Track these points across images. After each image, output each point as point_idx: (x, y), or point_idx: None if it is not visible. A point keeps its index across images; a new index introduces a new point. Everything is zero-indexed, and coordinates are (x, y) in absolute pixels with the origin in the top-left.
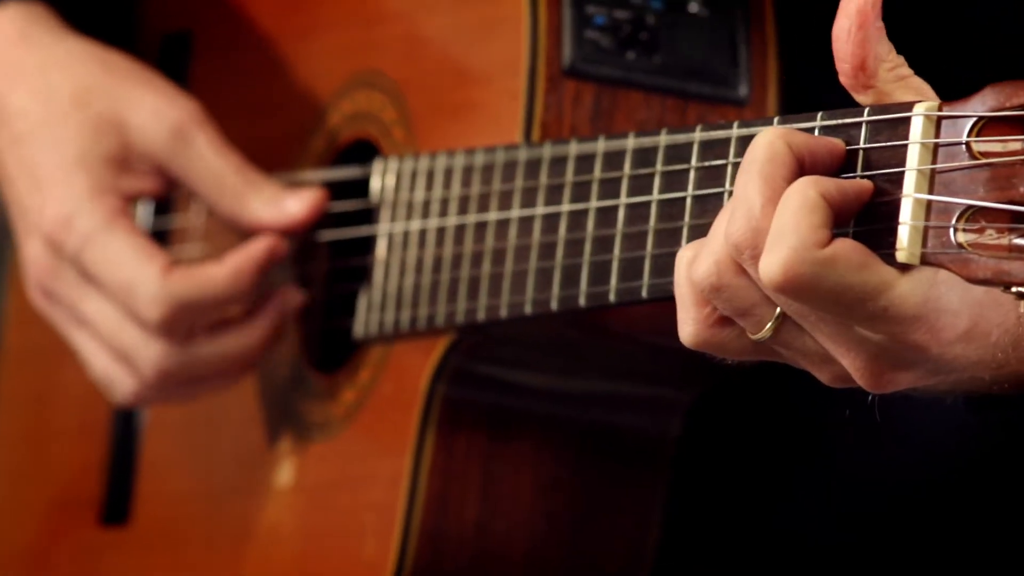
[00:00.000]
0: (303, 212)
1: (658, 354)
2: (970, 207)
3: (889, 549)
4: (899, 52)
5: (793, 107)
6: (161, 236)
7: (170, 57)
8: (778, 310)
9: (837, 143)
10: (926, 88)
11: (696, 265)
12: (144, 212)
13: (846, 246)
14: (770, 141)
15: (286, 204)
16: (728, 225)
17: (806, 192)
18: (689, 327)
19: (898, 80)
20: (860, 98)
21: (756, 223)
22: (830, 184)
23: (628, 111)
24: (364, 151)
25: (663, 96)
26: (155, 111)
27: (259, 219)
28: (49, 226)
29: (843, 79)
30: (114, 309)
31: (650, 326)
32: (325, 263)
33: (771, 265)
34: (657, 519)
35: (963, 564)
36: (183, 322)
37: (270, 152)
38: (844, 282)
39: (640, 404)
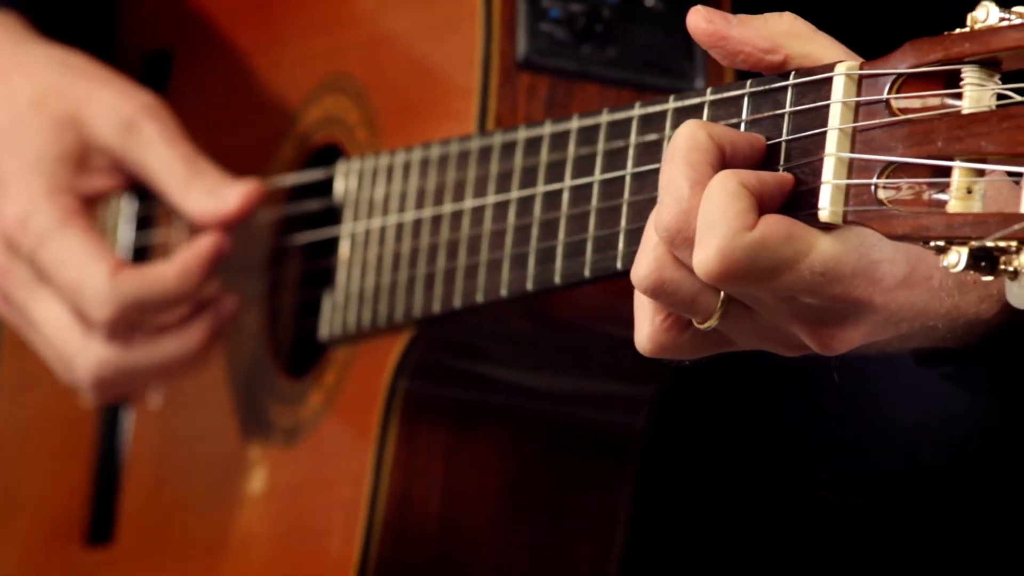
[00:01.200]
0: (238, 203)
1: (619, 347)
2: (890, 164)
3: (855, 530)
4: (816, 14)
5: None
6: (142, 251)
7: (150, 76)
8: (722, 295)
9: (758, 138)
10: (831, 43)
11: (636, 267)
12: (126, 227)
13: (771, 223)
14: (691, 131)
15: (223, 194)
16: (657, 213)
17: (726, 183)
18: (644, 332)
19: (800, 37)
20: (767, 70)
21: (685, 205)
22: (749, 175)
23: (583, 103)
24: (333, 155)
25: (619, 88)
26: (109, 106)
27: (197, 209)
28: (7, 226)
29: (751, 68)
30: (61, 311)
31: (601, 315)
32: (299, 266)
33: (705, 257)
34: (625, 512)
35: (929, 544)
36: (130, 321)
37: (244, 161)
38: (777, 257)
39: (604, 397)
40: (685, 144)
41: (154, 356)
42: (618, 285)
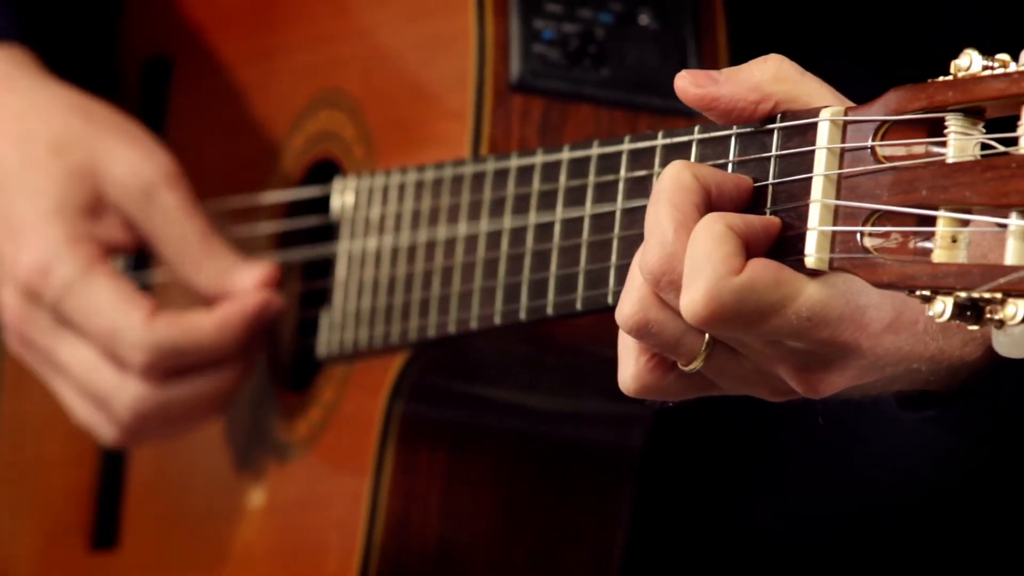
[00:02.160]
0: (250, 287)
1: (615, 367)
2: (875, 211)
3: (850, 546)
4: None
5: None
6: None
7: (151, 81)
8: (707, 337)
9: (744, 179)
10: (819, 86)
11: (620, 307)
12: (122, 266)
13: (758, 267)
14: (676, 172)
15: (235, 278)
16: (643, 255)
17: (712, 226)
18: (628, 372)
19: (786, 80)
20: (754, 117)
21: (670, 248)
22: (736, 218)
23: (578, 125)
24: (329, 170)
25: (612, 109)
26: (130, 165)
27: (207, 289)
28: (25, 274)
29: (747, 122)
30: (89, 353)
31: (595, 338)
32: (297, 282)
33: (692, 300)
34: (622, 532)
35: (925, 559)
36: (166, 368)
37: (242, 173)
38: (764, 301)
39: (600, 417)
40: (670, 185)
41: (192, 391)
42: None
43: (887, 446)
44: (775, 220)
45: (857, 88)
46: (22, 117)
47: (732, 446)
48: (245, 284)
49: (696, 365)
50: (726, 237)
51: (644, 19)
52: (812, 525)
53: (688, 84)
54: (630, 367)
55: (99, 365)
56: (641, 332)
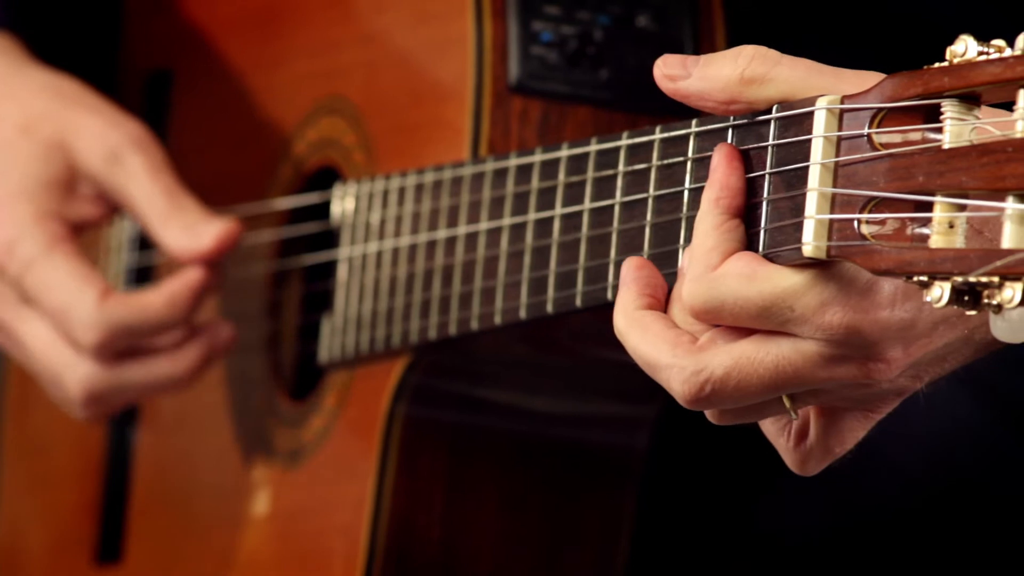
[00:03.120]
0: (214, 241)
1: (619, 368)
2: (873, 198)
3: (860, 546)
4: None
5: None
6: (143, 272)
7: (153, 94)
8: (785, 399)
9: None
10: (791, 72)
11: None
12: (127, 247)
13: (733, 262)
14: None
15: (200, 232)
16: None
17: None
18: (788, 459)
19: (751, 83)
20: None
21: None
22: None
23: (576, 126)
24: (331, 176)
25: (611, 111)
26: (97, 134)
27: (173, 245)
28: None
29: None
30: (48, 331)
31: (600, 338)
32: (299, 289)
33: (683, 295)
34: (626, 534)
35: (940, 561)
36: (117, 346)
37: (243, 182)
38: (742, 295)
39: (604, 418)
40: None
41: (144, 376)
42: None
43: (905, 451)
44: None
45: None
46: None
47: (736, 445)
48: (207, 240)
49: (792, 414)
50: (708, 234)
51: (642, 21)
52: (815, 524)
53: (661, 76)
54: (783, 454)
55: (55, 342)
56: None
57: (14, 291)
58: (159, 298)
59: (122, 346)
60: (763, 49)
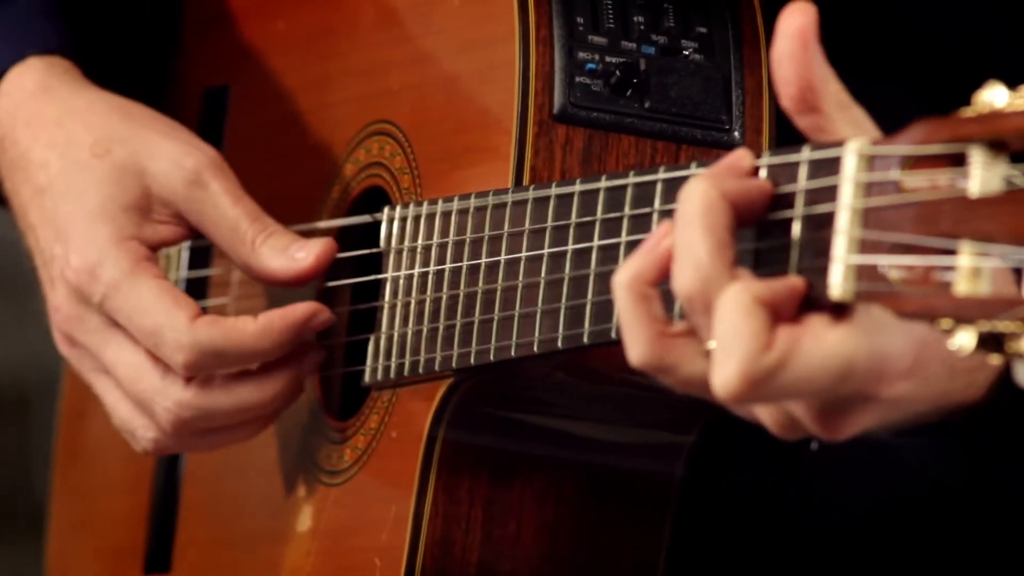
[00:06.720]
0: (311, 262)
1: (658, 397)
2: (900, 243)
3: (879, 562)
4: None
5: None
6: (197, 286)
7: (210, 110)
8: None
9: (765, 184)
10: (864, 119)
11: (631, 350)
12: (182, 261)
13: (787, 340)
14: (704, 192)
15: (295, 254)
16: (675, 279)
17: (739, 299)
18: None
19: (841, 107)
20: (803, 122)
21: (705, 272)
22: (761, 287)
23: (619, 156)
24: (379, 198)
25: (654, 140)
26: (173, 159)
27: (268, 268)
28: (74, 275)
29: (787, 103)
30: (135, 356)
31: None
32: (347, 309)
33: (726, 380)
34: (662, 562)
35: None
36: (206, 369)
37: (295, 202)
38: (797, 375)
39: (642, 446)
40: (699, 207)
41: (234, 401)
42: None
43: (914, 465)
44: (798, 282)
45: (905, 120)
46: (62, 123)
47: (770, 471)
48: (302, 261)
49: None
50: (754, 311)
51: (688, 52)
52: (840, 541)
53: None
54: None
55: (145, 367)
56: (658, 372)
57: (98, 316)
58: (252, 326)
59: (212, 370)
60: None
